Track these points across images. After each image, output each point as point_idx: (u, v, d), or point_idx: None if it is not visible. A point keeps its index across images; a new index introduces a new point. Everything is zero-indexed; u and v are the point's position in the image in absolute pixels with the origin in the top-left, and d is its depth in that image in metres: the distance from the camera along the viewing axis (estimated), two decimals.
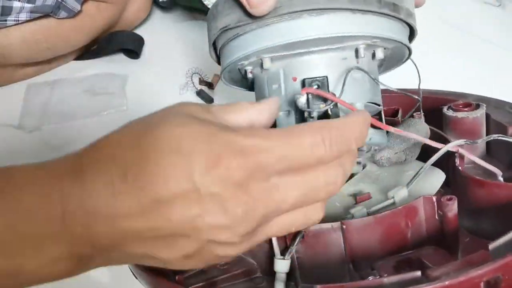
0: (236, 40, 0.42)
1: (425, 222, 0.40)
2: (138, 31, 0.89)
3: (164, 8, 0.94)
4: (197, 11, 0.91)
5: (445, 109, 0.50)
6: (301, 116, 0.40)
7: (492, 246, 0.33)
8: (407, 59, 0.48)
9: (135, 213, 0.28)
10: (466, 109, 0.49)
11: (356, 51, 0.41)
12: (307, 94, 0.39)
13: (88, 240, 0.28)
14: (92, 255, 0.29)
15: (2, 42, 0.73)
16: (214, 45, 0.45)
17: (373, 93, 0.43)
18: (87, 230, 0.28)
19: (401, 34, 0.43)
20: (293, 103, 0.40)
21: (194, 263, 0.31)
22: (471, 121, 0.48)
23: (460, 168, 0.42)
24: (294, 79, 0.42)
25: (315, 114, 0.39)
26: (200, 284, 0.39)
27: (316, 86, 0.40)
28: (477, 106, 0.49)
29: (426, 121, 0.51)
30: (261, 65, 0.42)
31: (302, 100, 0.39)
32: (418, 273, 0.32)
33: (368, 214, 0.40)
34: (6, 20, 0.72)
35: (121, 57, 0.86)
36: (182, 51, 0.86)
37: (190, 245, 0.29)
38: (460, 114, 0.49)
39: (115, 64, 0.84)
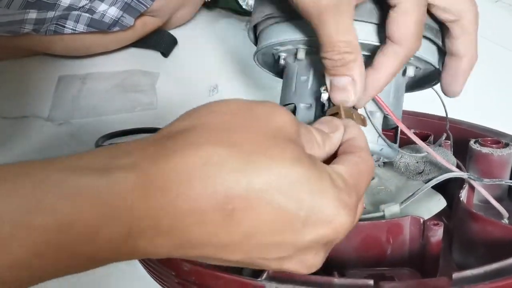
0: (277, 26, 0.42)
1: (409, 243, 0.39)
2: (174, 29, 0.89)
3: (208, 8, 0.94)
4: (234, 11, 0.91)
5: (472, 142, 0.48)
6: (322, 110, 0.41)
7: (456, 275, 0.32)
8: (436, 83, 0.47)
9: (219, 248, 0.27)
10: (493, 146, 0.48)
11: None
12: None
13: (155, 252, 0.26)
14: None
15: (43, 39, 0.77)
16: (255, 26, 0.46)
17: (394, 107, 0.43)
18: (152, 248, 0.26)
19: (434, 57, 0.43)
20: (317, 98, 0.41)
21: (268, 263, 0.29)
22: (495, 158, 0.47)
23: (460, 198, 0.41)
24: (323, 75, 0.42)
25: None
26: None
27: None
28: (506, 145, 0.47)
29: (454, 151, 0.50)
30: (295, 55, 0.43)
31: (324, 96, 0.40)
32: (371, 282, 0.32)
33: None
34: (64, 26, 0.74)
35: (154, 53, 0.86)
36: (215, 53, 0.86)
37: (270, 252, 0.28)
38: (484, 149, 0.47)
39: (148, 60, 0.84)
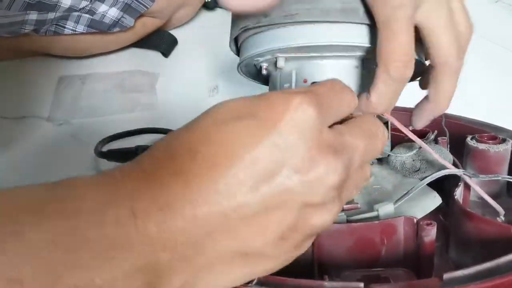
0: (254, 37, 0.43)
1: (404, 243, 0.39)
2: (174, 30, 0.89)
3: (208, 8, 0.94)
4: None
5: (468, 138, 0.48)
6: None
7: (446, 276, 0.32)
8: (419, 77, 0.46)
9: (217, 195, 0.26)
10: (490, 141, 0.47)
11: (362, 60, 0.41)
12: None
13: (164, 242, 0.25)
14: (171, 265, 0.26)
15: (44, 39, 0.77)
16: (235, 39, 0.46)
17: None
18: (162, 228, 0.25)
19: (421, 55, 0.42)
20: None
21: (288, 247, 0.28)
22: (492, 154, 0.46)
23: (455, 196, 0.41)
24: (305, 81, 0.42)
25: None
26: None
27: None
28: (503, 141, 0.47)
29: (449, 148, 0.50)
30: (275, 64, 0.43)
31: None
32: (361, 285, 0.32)
33: (348, 221, 0.40)
34: (64, 27, 0.74)
35: (154, 53, 0.86)
36: (215, 53, 0.86)
37: (284, 218, 0.27)
38: (481, 146, 0.47)
39: (148, 60, 0.85)
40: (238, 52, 0.47)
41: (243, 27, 0.42)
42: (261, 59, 0.43)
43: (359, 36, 0.39)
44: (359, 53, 0.40)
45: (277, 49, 0.41)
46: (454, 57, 0.37)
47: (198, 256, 0.26)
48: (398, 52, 0.35)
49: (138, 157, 0.28)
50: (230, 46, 0.47)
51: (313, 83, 0.41)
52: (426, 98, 0.41)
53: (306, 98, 0.27)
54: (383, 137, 0.33)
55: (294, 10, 0.39)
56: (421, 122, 0.42)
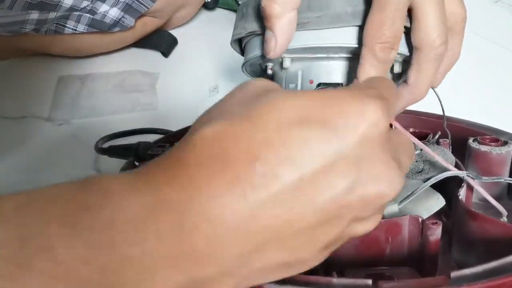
0: (260, 37, 0.43)
1: (408, 242, 0.39)
2: (175, 29, 0.90)
3: (208, 8, 0.94)
4: (234, 11, 0.92)
5: (470, 140, 0.49)
6: None
7: (454, 274, 0.32)
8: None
9: (275, 209, 0.24)
10: (492, 144, 0.48)
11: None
12: None
13: (212, 257, 0.23)
14: (215, 278, 0.24)
15: (44, 39, 0.77)
16: (239, 39, 0.46)
17: None
18: (211, 243, 0.23)
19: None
20: None
21: (328, 253, 0.28)
22: (494, 156, 0.47)
23: (459, 196, 0.41)
24: (311, 82, 0.42)
25: None
26: None
27: None
28: (505, 143, 0.47)
29: (452, 149, 0.50)
30: (281, 64, 0.43)
31: None
32: (369, 281, 0.32)
33: None
34: (65, 26, 0.74)
35: (155, 53, 0.86)
36: (216, 53, 0.86)
37: (335, 231, 0.26)
38: (483, 148, 0.47)
39: (148, 60, 0.85)
40: (241, 51, 0.47)
41: (250, 31, 0.42)
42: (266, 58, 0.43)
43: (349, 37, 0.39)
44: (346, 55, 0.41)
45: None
46: (440, 40, 0.37)
47: (242, 268, 0.25)
48: (388, 32, 0.35)
49: (180, 156, 0.25)
50: (231, 45, 0.47)
51: (319, 84, 0.42)
52: (404, 83, 0.40)
53: (380, 108, 0.26)
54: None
55: (305, 19, 0.39)
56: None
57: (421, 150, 0.46)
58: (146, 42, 0.85)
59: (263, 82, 0.29)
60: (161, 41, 0.85)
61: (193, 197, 0.23)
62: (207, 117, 0.27)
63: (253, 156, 0.24)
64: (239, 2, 0.75)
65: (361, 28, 0.39)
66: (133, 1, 0.76)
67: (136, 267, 0.22)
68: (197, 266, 0.23)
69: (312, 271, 0.36)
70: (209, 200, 0.23)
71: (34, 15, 0.72)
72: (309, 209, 0.24)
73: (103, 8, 0.75)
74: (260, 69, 0.47)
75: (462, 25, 0.39)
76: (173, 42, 0.87)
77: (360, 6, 0.38)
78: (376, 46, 0.35)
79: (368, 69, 0.36)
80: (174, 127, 0.60)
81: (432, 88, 0.47)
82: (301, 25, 0.39)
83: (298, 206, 0.24)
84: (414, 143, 0.41)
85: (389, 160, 0.26)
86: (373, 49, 0.36)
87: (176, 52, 0.87)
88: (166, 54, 0.86)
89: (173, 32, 0.88)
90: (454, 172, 0.41)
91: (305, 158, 0.24)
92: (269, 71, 0.44)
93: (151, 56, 0.86)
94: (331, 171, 0.24)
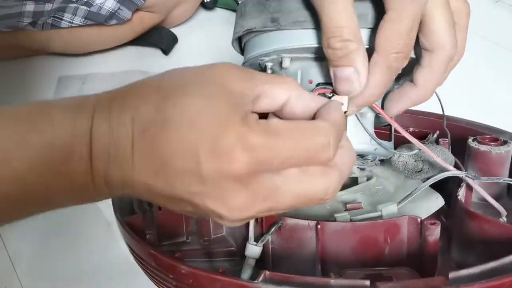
0: (259, 37, 0.43)
1: (407, 243, 0.39)
2: (175, 28, 0.89)
3: (207, 7, 0.94)
4: (233, 11, 0.92)
5: (470, 140, 0.48)
6: None
7: (452, 275, 0.32)
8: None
9: (146, 170, 0.29)
10: (492, 143, 0.47)
11: None
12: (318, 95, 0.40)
13: (106, 180, 0.30)
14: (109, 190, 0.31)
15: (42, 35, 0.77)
16: (239, 38, 0.46)
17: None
18: (106, 171, 0.30)
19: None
20: None
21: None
22: (493, 156, 0.47)
23: (458, 196, 0.41)
24: (310, 82, 0.42)
25: None
26: (178, 254, 0.41)
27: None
28: (504, 143, 0.47)
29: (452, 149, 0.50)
30: (281, 64, 0.43)
31: None
32: (367, 282, 0.32)
33: (351, 221, 0.40)
34: (62, 19, 0.74)
35: (154, 51, 0.86)
36: (215, 52, 0.86)
37: (192, 210, 0.30)
38: (482, 147, 0.47)
39: (148, 58, 0.84)
40: (241, 50, 0.47)
41: (248, 29, 0.42)
42: (266, 58, 0.43)
43: (366, 39, 0.39)
44: None
45: (283, 50, 0.41)
46: (452, 43, 0.37)
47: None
48: (404, 42, 0.35)
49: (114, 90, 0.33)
50: (232, 44, 0.47)
51: (319, 84, 0.41)
52: (410, 83, 0.40)
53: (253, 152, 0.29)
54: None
55: (302, 17, 0.39)
56: (397, 109, 0.41)
57: (420, 149, 0.46)
58: (146, 39, 0.85)
59: (227, 69, 0.33)
60: (161, 38, 0.85)
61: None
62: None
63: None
64: (239, 2, 0.74)
65: (361, 30, 0.39)
66: None
67: (64, 178, 0.30)
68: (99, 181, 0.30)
69: (309, 273, 0.36)
70: (110, 140, 0.30)
71: (30, 6, 0.72)
72: (166, 187, 0.29)
73: (99, 0, 0.75)
74: (259, 69, 0.47)
75: (466, 20, 0.39)
76: (173, 39, 0.87)
77: (361, 9, 0.38)
78: (391, 56, 0.35)
79: (380, 78, 0.36)
80: None
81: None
82: (298, 23, 0.39)
83: (161, 180, 0.29)
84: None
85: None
86: (388, 59, 0.35)
87: (175, 51, 0.87)
88: (166, 51, 0.86)
89: (173, 31, 0.88)
90: (453, 172, 0.41)
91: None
92: (269, 71, 0.44)
93: (151, 55, 0.86)
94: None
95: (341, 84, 0.37)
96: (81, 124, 0.30)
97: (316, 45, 0.40)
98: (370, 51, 0.39)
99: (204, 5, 0.93)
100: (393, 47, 0.35)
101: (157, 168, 0.29)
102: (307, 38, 0.40)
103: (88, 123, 0.30)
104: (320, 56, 0.41)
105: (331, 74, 0.37)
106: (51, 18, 0.75)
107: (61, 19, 0.75)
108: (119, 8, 0.76)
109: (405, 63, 0.36)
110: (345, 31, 0.35)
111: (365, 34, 0.38)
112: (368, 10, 0.38)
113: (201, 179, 0.28)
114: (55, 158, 0.29)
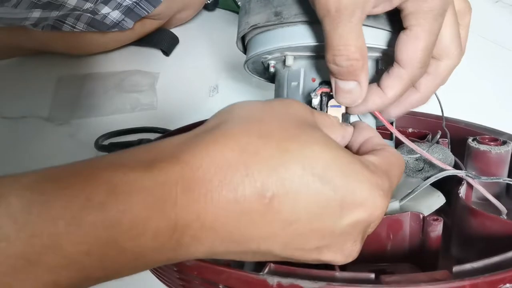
0: (262, 35, 0.43)
1: (409, 239, 0.39)
2: (175, 29, 0.90)
3: (208, 9, 0.94)
4: (234, 12, 0.92)
5: (470, 140, 0.49)
6: None
7: (456, 269, 0.32)
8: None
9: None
10: (491, 143, 0.48)
11: (377, 62, 0.42)
12: (321, 95, 0.40)
13: (189, 254, 0.27)
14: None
15: (43, 35, 0.77)
16: (242, 36, 0.46)
17: None
18: (196, 243, 0.26)
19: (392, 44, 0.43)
20: (308, 102, 0.41)
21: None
22: (493, 156, 0.47)
23: (459, 194, 0.41)
24: (313, 80, 0.43)
25: None
26: None
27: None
28: (504, 143, 0.48)
29: (451, 149, 0.51)
30: (284, 62, 0.43)
31: (315, 101, 0.40)
32: (372, 275, 0.32)
33: None
34: (64, 23, 0.74)
35: (155, 51, 0.86)
36: (215, 53, 0.86)
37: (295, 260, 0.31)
38: (482, 147, 0.47)
39: (148, 59, 0.85)
40: (245, 50, 0.47)
41: (253, 25, 0.42)
42: (269, 56, 0.44)
43: (373, 37, 0.39)
44: (371, 54, 0.41)
45: (286, 48, 0.41)
46: (458, 50, 0.38)
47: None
48: (428, 56, 0.36)
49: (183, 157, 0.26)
50: (237, 44, 0.47)
51: (322, 82, 0.42)
52: (413, 88, 0.40)
53: (384, 205, 0.30)
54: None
55: (306, 9, 0.39)
56: (397, 112, 0.42)
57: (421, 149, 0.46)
58: (147, 40, 0.85)
59: (303, 110, 0.31)
60: (162, 39, 0.86)
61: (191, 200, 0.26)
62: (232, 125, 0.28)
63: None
64: (238, 4, 0.75)
65: (367, 29, 0.39)
66: (135, 6, 0.77)
67: (130, 256, 0.25)
68: (179, 212, 0.26)
69: (314, 265, 0.36)
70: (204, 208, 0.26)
71: (36, 13, 0.72)
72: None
73: (105, 10, 0.75)
74: (261, 67, 0.47)
75: (468, 18, 0.40)
76: (174, 40, 0.87)
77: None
78: (416, 70, 0.36)
79: (402, 89, 0.37)
80: (173, 126, 0.60)
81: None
82: (299, 15, 0.39)
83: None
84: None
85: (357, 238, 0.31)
86: (413, 73, 0.36)
87: (176, 51, 0.87)
88: (167, 52, 0.86)
89: (174, 32, 0.88)
90: (454, 171, 0.42)
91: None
92: (271, 69, 0.45)
93: (151, 56, 0.86)
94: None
95: (342, 96, 0.37)
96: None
97: (320, 44, 0.40)
98: (383, 51, 0.39)
99: (205, 7, 0.94)
100: (419, 62, 0.36)
101: (278, 232, 0.27)
102: (310, 35, 0.40)
103: (169, 192, 0.26)
104: (323, 55, 0.42)
105: (333, 84, 0.38)
106: (53, 20, 0.75)
107: (63, 23, 0.75)
108: (123, 19, 0.77)
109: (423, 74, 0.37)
110: (352, 49, 0.35)
111: (376, 32, 0.39)
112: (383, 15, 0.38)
113: (330, 235, 0.29)
114: (118, 235, 0.25)
